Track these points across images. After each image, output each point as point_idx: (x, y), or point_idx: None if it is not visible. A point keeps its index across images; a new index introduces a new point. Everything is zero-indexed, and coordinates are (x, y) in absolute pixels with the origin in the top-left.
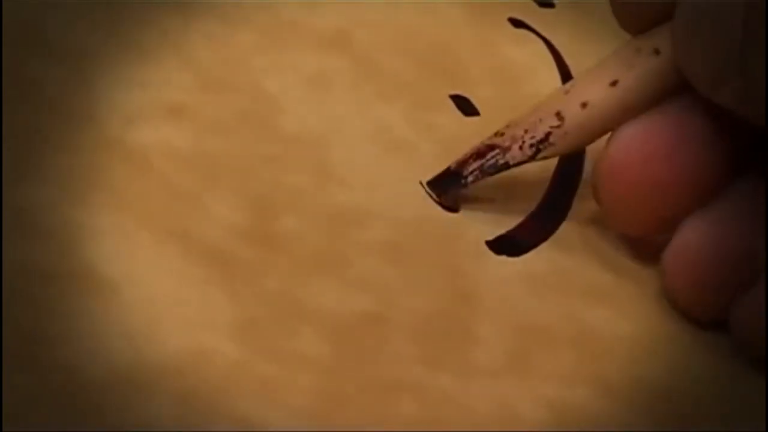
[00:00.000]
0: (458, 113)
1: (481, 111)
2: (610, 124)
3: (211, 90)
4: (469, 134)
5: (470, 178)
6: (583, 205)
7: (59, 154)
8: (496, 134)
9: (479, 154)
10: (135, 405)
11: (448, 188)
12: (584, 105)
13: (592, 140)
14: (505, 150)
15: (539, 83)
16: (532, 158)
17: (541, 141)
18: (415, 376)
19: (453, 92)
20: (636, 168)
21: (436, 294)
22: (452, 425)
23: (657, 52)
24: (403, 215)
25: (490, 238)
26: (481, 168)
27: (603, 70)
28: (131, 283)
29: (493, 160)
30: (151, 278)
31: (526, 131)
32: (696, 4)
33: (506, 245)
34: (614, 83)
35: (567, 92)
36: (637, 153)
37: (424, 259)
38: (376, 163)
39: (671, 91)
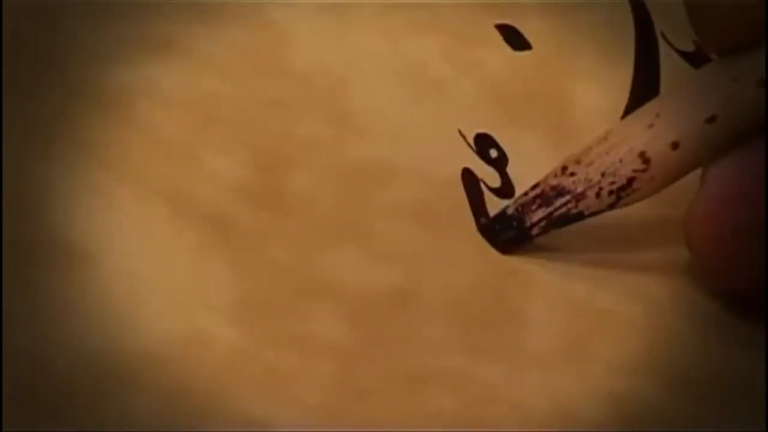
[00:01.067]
0: (506, 47)
1: (533, 44)
2: (701, 163)
3: (206, 21)
4: (519, 73)
5: (535, 231)
6: None
7: (22, 100)
8: (563, 171)
9: (544, 199)
10: (114, 401)
11: (508, 237)
12: (675, 145)
13: (677, 180)
14: (578, 197)
15: (599, 11)
16: (611, 207)
17: (623, 187)
18: (453, 366)
19: (499, 21)
20: (741, 209)
21: (476, 266)
22: (498, 424)
23: (762, 84)
24: (435, 172)
25: None
26: (549, 218)
27: (696, 101)
28: (109, 253)
29: (563, 209)
30: (134, 248)
31: (603, 174)
32: None
33: None
34: (711, 119)
35: (651, 126)
36: (742, 192)
37: (460, 224)
38: (405, 110)
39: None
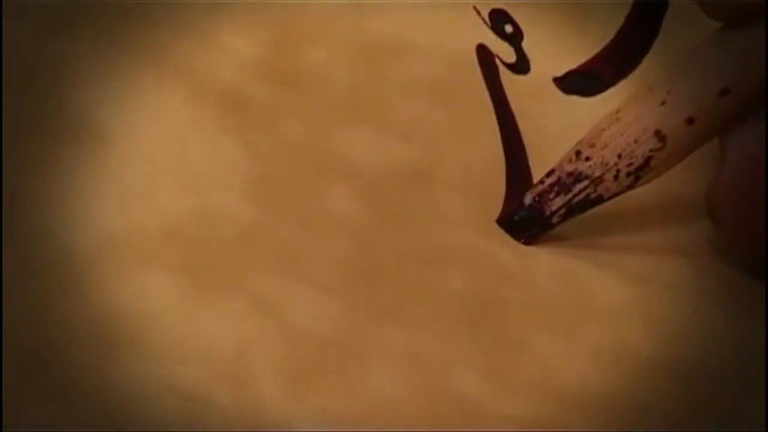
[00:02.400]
0: None
1: None
2: (714, 135)
3: None
4: None
5: (555, 219)
6: None
7: None
8: (577, 156)
9: (562, 186)
10: (128, 278)
11: (528, 228)
12: (690, 121)
13: (691, 153)
14: (597, 181)
15: None
16: (630, 188)
17: (641, 167)
18: (467, 244)
19: None
20: (761, 180)
21: (492, 143)
22: (510, 304)
23: None
24: (450, 48)
25: (558, 74)
26: (569, 205)
27: (708, 75)
28: (127, 133)
29: (582, 195)
30: (151, 128)
31: (620, 156)
32: None
33: (577, 82)
34: (724, 92)
35: (664, 103)
36: (760, 164)
37: (476, 100)
38: None
39: None
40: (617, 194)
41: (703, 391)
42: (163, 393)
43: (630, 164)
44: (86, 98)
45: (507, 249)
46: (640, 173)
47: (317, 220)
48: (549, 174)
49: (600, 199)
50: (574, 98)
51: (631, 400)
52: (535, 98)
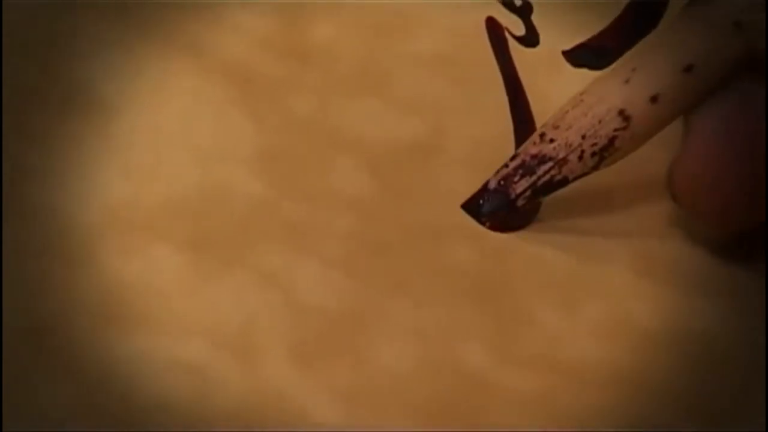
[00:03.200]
0: None
1: None
2: (680, 113)
3: None
4: None
5: (521, 201)
6: None
7: None
8: (541, 138)
9: (526, 168)
10: (134, 252)
11: (493, 213)
12: (654, 99)
13: (657, 133)
14: (561, 162)
15: None
16: (595, 169)
17: (605, 147)
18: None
19: None
20: (723, 158)
21: (502, 117)
22: (518, 279)
23: (738, 25)
24: (459, 21)
25: (568, 47)
26: (533, 187)
27: (671, 51)
28: (134, 106)
29: (546, 177)
30: (157, 101)
31: (584, 137)
32: None
33: (586, 55)
34: (689, 68)
35: (627, 81)
36: (722, 143)
37: (487, 74)
38: None
39: (744, 66)
40: (582, 175)
41: (705, 365)
42: (170, 367)
43: (594, 144)
44: (92, 71)
45: None
46: (604, 153)
47: (324, 194)
48: (513, 157)
49: (565, 181)
50: (584, 71)
51: (634, 374)
52: (544, 71)
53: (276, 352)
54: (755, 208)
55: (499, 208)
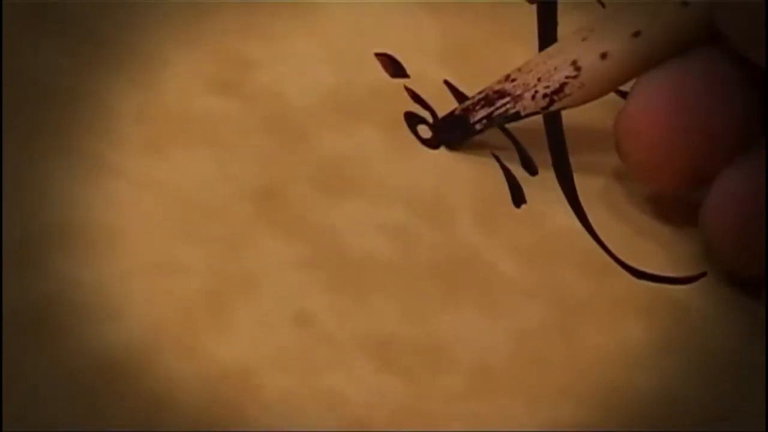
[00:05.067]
0: None
1: None
2: (629, 75)
3: None
4: None
5: (478, 126)
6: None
7: None
8: (506, 78)
9: (488, 100)
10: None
11: (455, 134)
12: (604, 56)
13: (608, 91)
14: (516, 99)
15: None
16: (545, 109)
17: (556, 91)
18: None
19: None
20: (662, 118)
21: None
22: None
23: (685, 3)
24: None
25: None
26: (489, 116)
27: (625, 18)
28: None
29: (502, 109)
30: None
31: (539, 80)
32: None
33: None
34: (637, 34)
35: (585, 39)
36: (663, 103)
37: None
38: None
39: (695, 41)
40: (533, 113)
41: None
42: (375, 231)
43: (547, 87)
44: None
45: None
46: (555, 97)
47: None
48: (480, 92)
49: (517, 115)
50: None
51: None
52: None
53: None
54: (688, 165)
55: (461, 130)
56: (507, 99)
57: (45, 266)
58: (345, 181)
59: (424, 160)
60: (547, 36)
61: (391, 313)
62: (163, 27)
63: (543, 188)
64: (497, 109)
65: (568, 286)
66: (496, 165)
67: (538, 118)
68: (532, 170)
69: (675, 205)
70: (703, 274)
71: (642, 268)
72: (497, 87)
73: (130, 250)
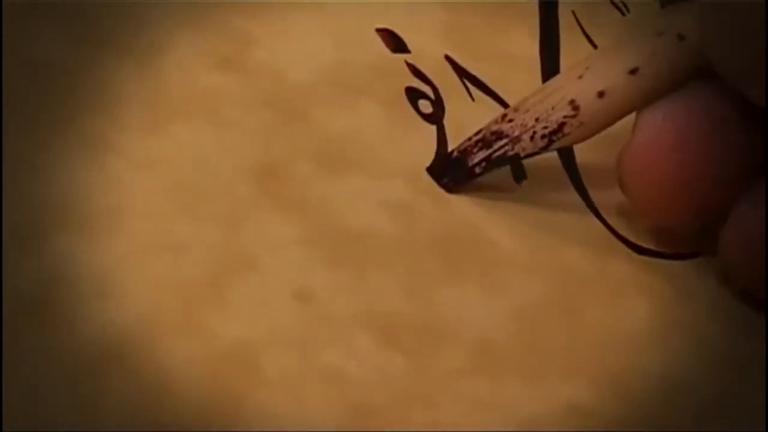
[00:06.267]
0: None
1: None
2: (628, 111)
3: None
4: None
5: (478, 170)
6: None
7: None
8: (503, 118)
9: (485, 142)
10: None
11: (453, 178)
12: (601, 94)
13: (607, 127)
14: (515, 140)
15: None
16: (544, 149)
17: (555, 131)
18: None
19: None
20: (666, 155)
21: None
22: None
23: (681, 37)
24: None
25: None
26: (488, 159)
27: (621, 55)
28: None
29: (501, 151)
30: None
31: (537, 120)
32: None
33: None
34: (634, 71)
35: (581, 77)
36: (667, 139)
37: None
38: None
39: (693, 75)
40: (532, 154)
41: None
42: (376, 207)
43: (545, 128)
44: None
45: None
46: (553, 137)
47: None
48: (477, 133)
49: (517, 156)
50: None
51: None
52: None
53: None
54: (692, 202)
55: (459, 174)
56: (505, 141)
57: (44, 246)
58: (346, 157)
59: (426, 136)
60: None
61: (391, 290)
62: (163, 5)
63: (544, 164)
64: (495, 151)
65: (570, 263)
66: None
67: None
68: None
69: None
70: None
71: (643, 245)
72: (494, 128)
73: (129, 230)
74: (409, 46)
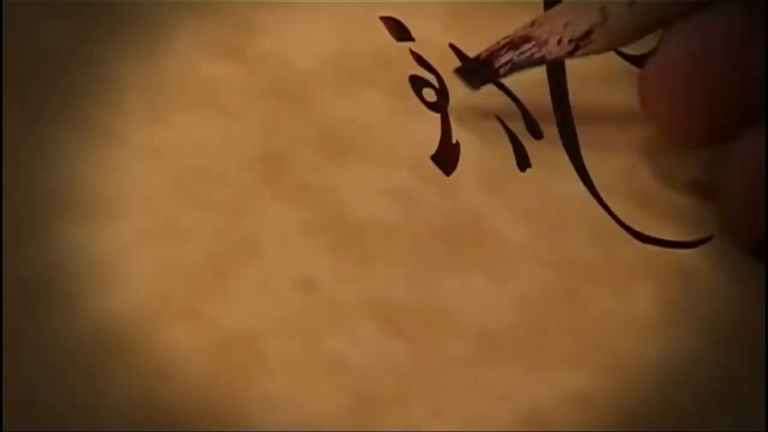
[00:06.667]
0: None
1: None
2: (654, 25)
3: None
4: None
5: (502, 71)
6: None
7: None
8: (532, 24)
9: (513, 44)
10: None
11: (478, 77)
12: (631, 4)
13: (632, 41)
14: (542, 43)
15: None
16: (570, 54)
17: (582, 37)
18: None
19: None
20: (689, 71)
21: None
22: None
23: None
24: None
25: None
26: (513, 60)
27: None
28: None
29: (527, 53)
30: None
31: (565, 25)
32: None
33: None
34: None
35: None
36: (691, 56)
37: None
38: None
39: None
40: (557, 58)
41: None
42: (379, 195)
43: (573, 32)
44: None
45: None
46: (580, 43)
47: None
48: (505, 37)
49: (542, 59)
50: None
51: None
52: None
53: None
54: (713, 121)
55: (485, 74)
56: (532, 43)
57: (47, 234)
58: (349, 145)
59: (429, 124)
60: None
61: (395, 278)
62: None
63: (548, 152)
64: (522, 53)
65: (574, 251)
66: (501, 129)
67: (544, 85)
68: (537, 134)
69: (681, 171)
70: (710, 238)
71: (647, 233)
72: (523, 32)
73: (133, 217)
74: (413, 35)
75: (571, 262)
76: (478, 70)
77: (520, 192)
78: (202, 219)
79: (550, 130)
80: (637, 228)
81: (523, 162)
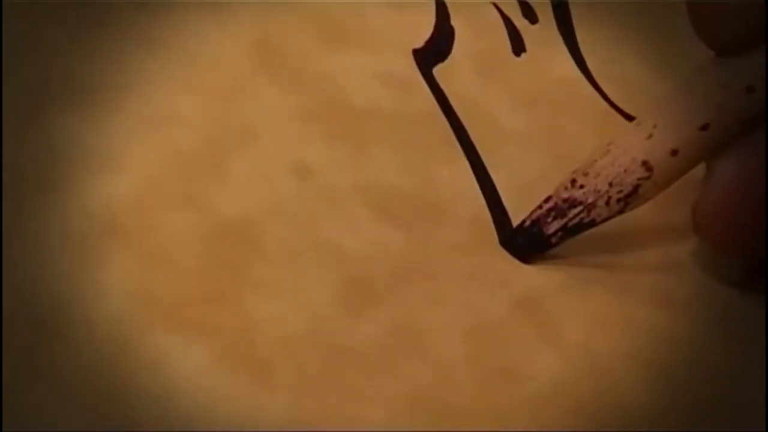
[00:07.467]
0: None
1: None
2: (697, 164)
3: None
4: None
5: (554, 240)
6: None
7: None
8: (572, 184)
9: (558, 211)
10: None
11: (529, 251)
12: (674, 153)
13: (676, 181)
14: (590, 207)
15: None
16: (620, 213)
17: (630, 194)
18: None
19: None
20: (738, 200)
21: None
22: None
23: (750, 89)
24: None
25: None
26: (565, 228)
27: (688, 110)
28: None
29: (576, 219)
30: None
31: (611, 184)
32: None
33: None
34: (705, 127)
35: (650, 137)
36: (739, 185)
37: None
38: None
39: (760, 122)
40: (608, 218)
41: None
42: (374, 81)
43: (620, 191)
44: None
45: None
46: (629, 200)
47: None
48: (546, 200)
49: (592, 223)
50: None
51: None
52: None
53: (464, 64)
54: (763, 240)
55: (536, 245)
56: (580, 208)
57: (47, 122)
58: (344, 31)
59: (424, 11)
60: None
61: (390, 164)
62: None
63: (543, 37)
64: (571, 219)
65: (569, 135)
66: (496, 14)
67: None
68: (532, 19)
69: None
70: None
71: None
72: (565, 195)
73: (130, 105)
74: None
75: (566, 147)
76: (529, 244)
77: (515, 77)
78: (197, 105)
79: (545, 14)
80: (630, 112)
81: (517, 46)
